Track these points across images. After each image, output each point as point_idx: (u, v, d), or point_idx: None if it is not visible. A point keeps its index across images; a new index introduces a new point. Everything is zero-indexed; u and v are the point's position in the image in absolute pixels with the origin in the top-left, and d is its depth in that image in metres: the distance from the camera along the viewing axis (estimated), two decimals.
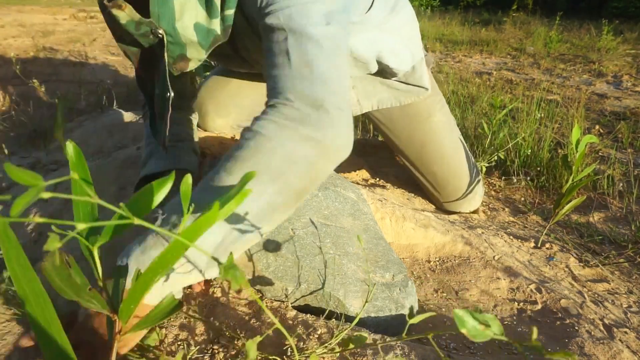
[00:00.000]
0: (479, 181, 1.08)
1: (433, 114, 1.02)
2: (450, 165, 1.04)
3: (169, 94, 0.61)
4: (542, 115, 1.74)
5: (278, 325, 0.35)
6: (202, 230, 0.32)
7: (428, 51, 1.06)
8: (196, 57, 0.64)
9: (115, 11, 0.56)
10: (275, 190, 0.50)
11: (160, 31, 0.58)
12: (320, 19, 0.57)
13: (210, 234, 0.48)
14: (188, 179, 0.38)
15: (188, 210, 0.37)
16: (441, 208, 1.12)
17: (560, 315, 0.70)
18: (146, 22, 0.57)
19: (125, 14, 0.57)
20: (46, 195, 0.23)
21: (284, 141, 0.51)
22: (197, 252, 0.48)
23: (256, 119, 0.54)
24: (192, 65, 0.65)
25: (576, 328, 0.67)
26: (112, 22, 0.59)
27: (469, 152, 1.08)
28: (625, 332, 0.67)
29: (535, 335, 0.25)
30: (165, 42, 0.59)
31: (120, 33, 0.61)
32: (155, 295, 0.47)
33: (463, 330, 0.26)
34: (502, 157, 1.30)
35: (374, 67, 0.88)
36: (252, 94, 1.07)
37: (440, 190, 1.07)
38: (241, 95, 1.07)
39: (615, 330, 0.67)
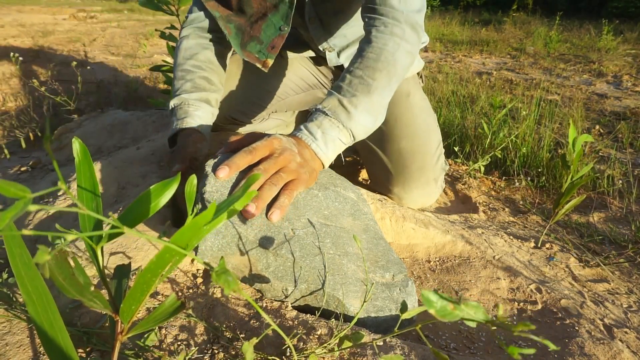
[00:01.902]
0: (443, 163, 1.06)
1: (413, 94, 1.04)
2: (420, 140, 1.02)
3: (287, 28, 0.84)
4: (543, 115, 1.74)
5: (274, 326, 0.35)
6: (200, 235, 0.32)
7: (428, 50, 1.08)
8: None
9: None
10: (393, 86, 0.75)
11: None
12: None
13: (364, 119, 0.71)
14: (193, 179, 0.38)
15: (194, 207, 0.37)
16: (393, 199, 1.07)
17: (560, 315, 0.70)
18: None
19: None
20: (34, 207, 0.22)
21: (399, 54, 0.75)
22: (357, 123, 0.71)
23: (373, 31, 0.76)
24: None
25: (576, 328, 0.67)
26: None
27: (440, 138, 1.06)
28: (625, 332, 0.67)
29: (501, 311, 0.25)
30: None
31: None
32: (331, 156, 0.71)
33: (431, 311, 0.25)
34: (500, 156, 1.29)
35: None
36: (237, 84, 1.09)
37: (401, 171, 1.02)
38: (226, 87, 1.08)
39: (615, 330, 0.67)
